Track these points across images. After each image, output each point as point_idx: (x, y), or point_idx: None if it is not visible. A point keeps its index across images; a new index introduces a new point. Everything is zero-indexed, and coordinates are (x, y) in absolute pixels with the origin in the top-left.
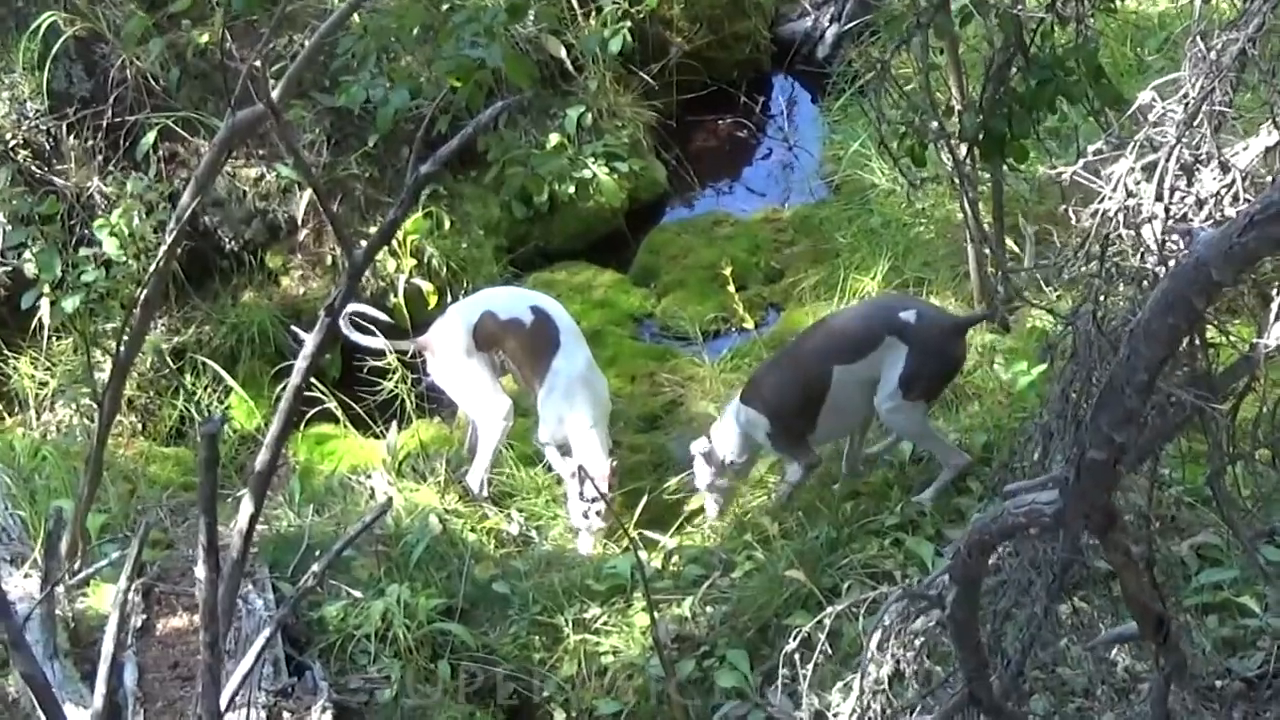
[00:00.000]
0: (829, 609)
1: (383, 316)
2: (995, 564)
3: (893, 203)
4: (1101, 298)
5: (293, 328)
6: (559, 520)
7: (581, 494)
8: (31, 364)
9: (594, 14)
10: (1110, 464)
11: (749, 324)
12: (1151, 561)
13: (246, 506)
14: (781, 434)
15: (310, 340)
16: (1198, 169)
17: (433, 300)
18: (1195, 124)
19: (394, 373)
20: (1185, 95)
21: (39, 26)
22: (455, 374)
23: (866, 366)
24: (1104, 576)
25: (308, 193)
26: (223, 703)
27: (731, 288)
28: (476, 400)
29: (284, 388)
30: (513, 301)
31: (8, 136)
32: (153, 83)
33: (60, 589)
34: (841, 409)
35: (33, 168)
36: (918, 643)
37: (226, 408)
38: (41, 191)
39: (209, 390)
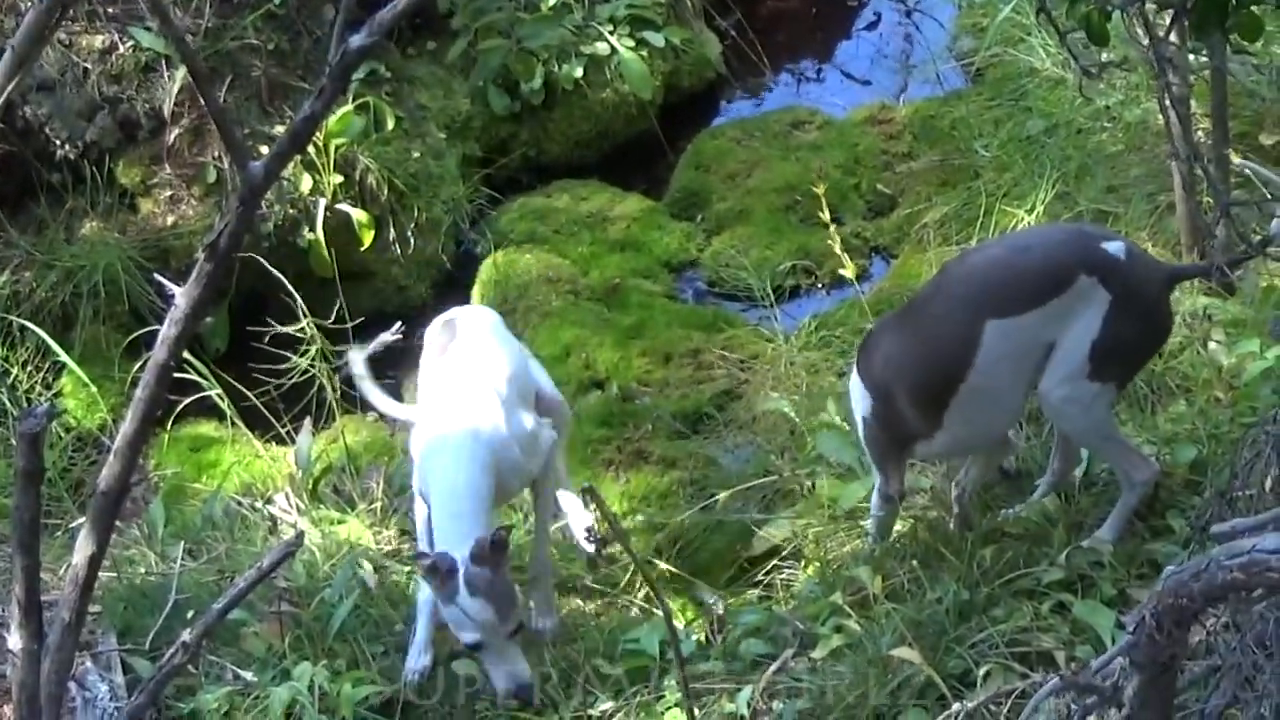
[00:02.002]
0: (956, 706)
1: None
2: (1204, 643)
3: (1061, 98)
4: None
5: (157, 276)
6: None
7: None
8: None
9: None
10: None
11: (848, 272)
12: None
13: (85, 544)
14: (882, 425)
15: (183, 297)
16: None
17: (368, 237)
18: None
19: (308, 345)
20: None
21: None
22: None
23: (1042, 322)
24: None
25: (181, 73)
26: None
27: (826, 217)
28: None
29: (143, 367)
30: None
31: None
32: None
33: None
34: (987, 395)
35: None
36: None
37: (56, 395)
38: None
39: (29, 368)
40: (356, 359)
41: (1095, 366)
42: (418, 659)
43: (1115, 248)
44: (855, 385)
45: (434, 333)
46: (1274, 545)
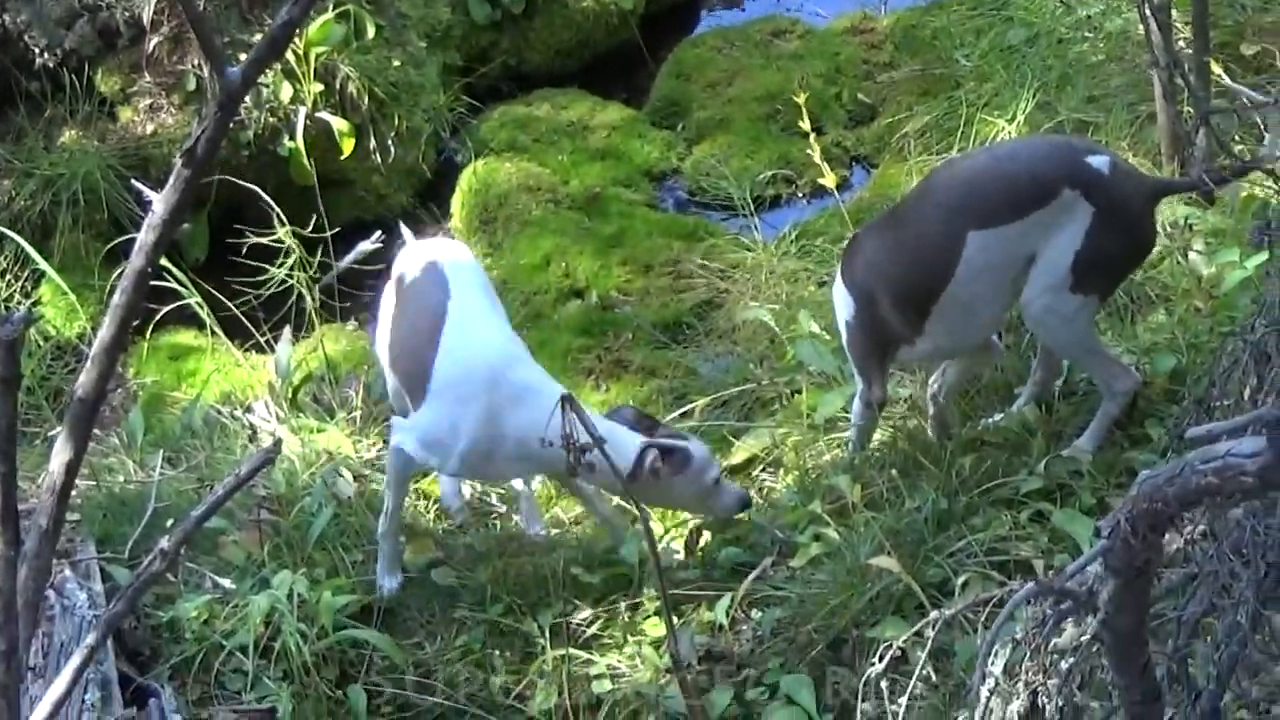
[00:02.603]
0: (934, 614)
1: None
2: (1181, 552)
3: (1043, 8)
4: None
5: (135, 183)
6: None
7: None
8: None
9: None
10: None
11: (829, 181)
12: None
13: (62, 452)
14: (865, 330)
15: (160, 202)
16: None
17: (348, 146)
18: None
19: (287, 254)
20: None
21: None
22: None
23: (1023, 234)
24: None
25: None
26: None
27: (807, 126)
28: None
29: (121, 274)
30: None
31: None
32: None
33: None
34: (969, 304)
35: None
36: (1064, 665)
37: (34, 303)
38: None
39: (8, 277)
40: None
41: (1077, 279)
42: (388, 579)
43: (1100, 161)
44: (839, 290)
45: (412, 268)
46: (1249, 449)
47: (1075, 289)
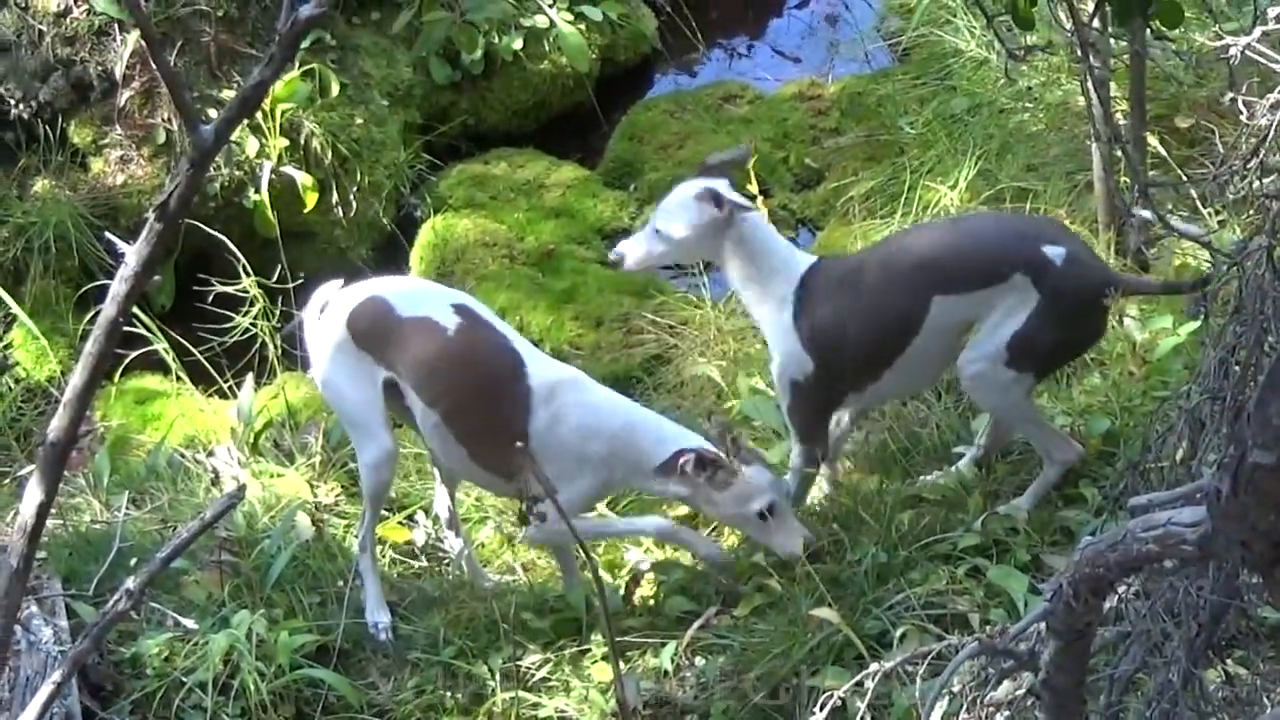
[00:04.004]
0: (873, 666)
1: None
2: (1115, 610)
3: (985, 79)
4: None
5: (108, 234)
6: (486, 524)
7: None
8: None
9: None
10: None
11: None
12: None
13: (34, 493)
14: (819, 388)
15: (133, 254)
16: None
17: (311, 199)
18: None
19: (251, 304)
20: None
21: None
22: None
23: (973, 305)
24: (1271, 630)
25: (133, 37)
26: None
27: (754, 189)
28: (348, 428)
29: (92, 321)
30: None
31: None
32: None
33: None
34: (924, 357)
35: None
36: (999, 719)
37: (5, 347)
38: None
39: None
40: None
41: (1012, 355)
42: (378, 615)
43: (1055, 252)
44: (792, 352)
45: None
46: (1189, 519)
47: (1009, 365)
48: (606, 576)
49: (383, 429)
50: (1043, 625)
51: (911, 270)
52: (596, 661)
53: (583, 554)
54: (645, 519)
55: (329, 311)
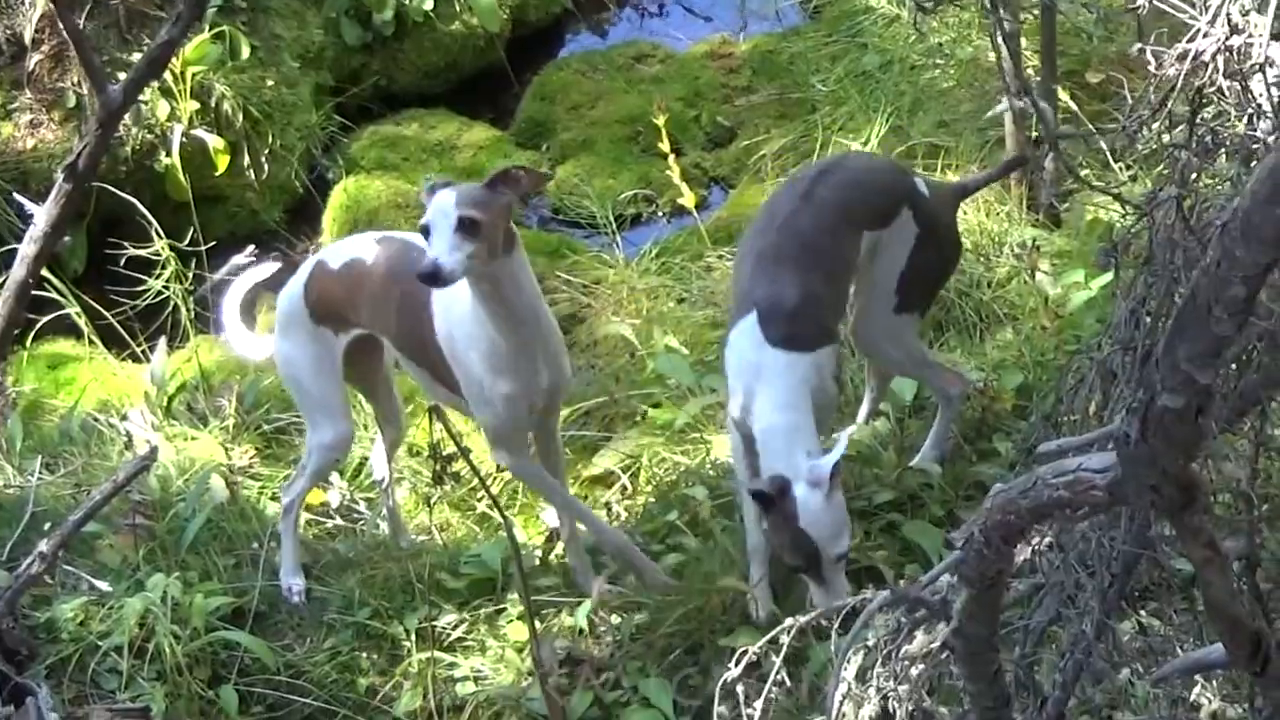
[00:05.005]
0: (788, 620)
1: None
2: (1029, 563)
3: (896, 36)
4: (1191, 178)
5: (16, 196)
6: (402, 484)
7: (435, 449)
8: None
9: None
10: (1190, 415)
11: (688, 201)
12: (1252, 560)
13: None
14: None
15: (42, 215)
16: None
17: (223, 162)
18: None
19: (163, 267)
20: None
21: None
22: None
23: (876, 242)
24: (1184, 582)
25: (41, 0)
26: None
27: (666, 148)
28: (303, 409)
29: (2, 285)
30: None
31: None
32: None
33: None
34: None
35: None
36: (914, 672)
37: None
38: None
39: None
40: (232, 295)
41: (902, 299)
42: (292, 579)
43: (920, 183)
44: (797, 362)
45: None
46: (1099, 465)
47: (899, 309)
48: (521, 535)
49: (341, 411)
50: (954, 574)
51: (840, 201)
52: (512, 621)
53: (498, 514)
54: (612, 530)
55: (286, 288)
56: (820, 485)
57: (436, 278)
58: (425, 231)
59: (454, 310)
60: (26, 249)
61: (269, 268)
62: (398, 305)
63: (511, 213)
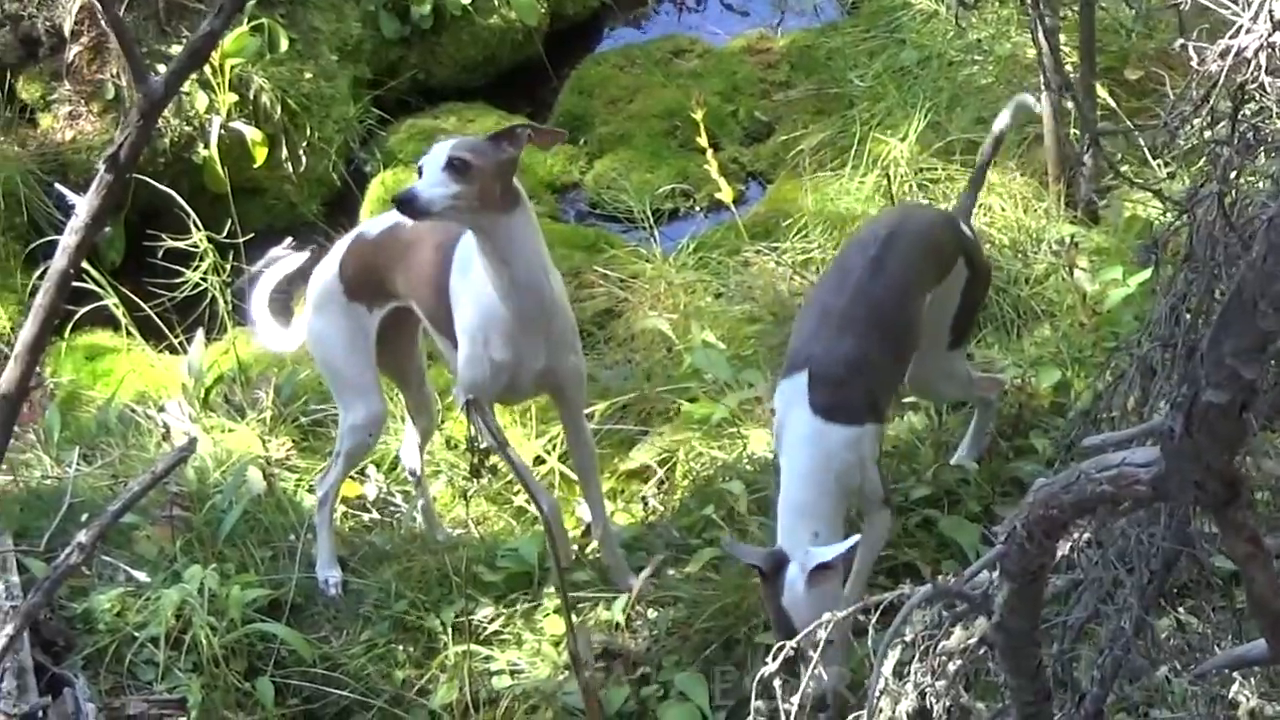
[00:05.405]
0: (825, 615)
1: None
2: (1066, 559)
3: (934, 31)
4: (1232, 175)
5: (58, 187)
6: (439, 478)
7: (472, 443)
8: None
9: None
10: (1235, 410)
11: (725, 196)
12: None
13: None
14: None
15: (83, 206)
16: None
17: (261, 155)
18: None
19: (201, 259)
20: None
21: None
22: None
23: (933, 296)
24: (1226, 577)
25: None
26: None
27: (704, 143)
28: (335, 390)
29: (41, 276)
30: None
31: None
32: None
33: None
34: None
35: None
36: (951, 667)
37: None
38: None
39: None
40: (262, 286)
41: (955, 337)
42: (328, 570)
43: (966, 227)
44: (835, 434)
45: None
46: (1143, 459)
47: (953, 346)
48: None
49: (374, 391)
50: (996, 568)
51: (902, 267)
52: (549, 615)
53: (536, 508)
54: (544, 495)
55: (320, 265)
56: (806, 572)
57: (412, 204)
58: (419, 171)
59: (469, 269)
60: (68, 240)
61: (298, 258)
62: (428, 267)
63: (513, 170)
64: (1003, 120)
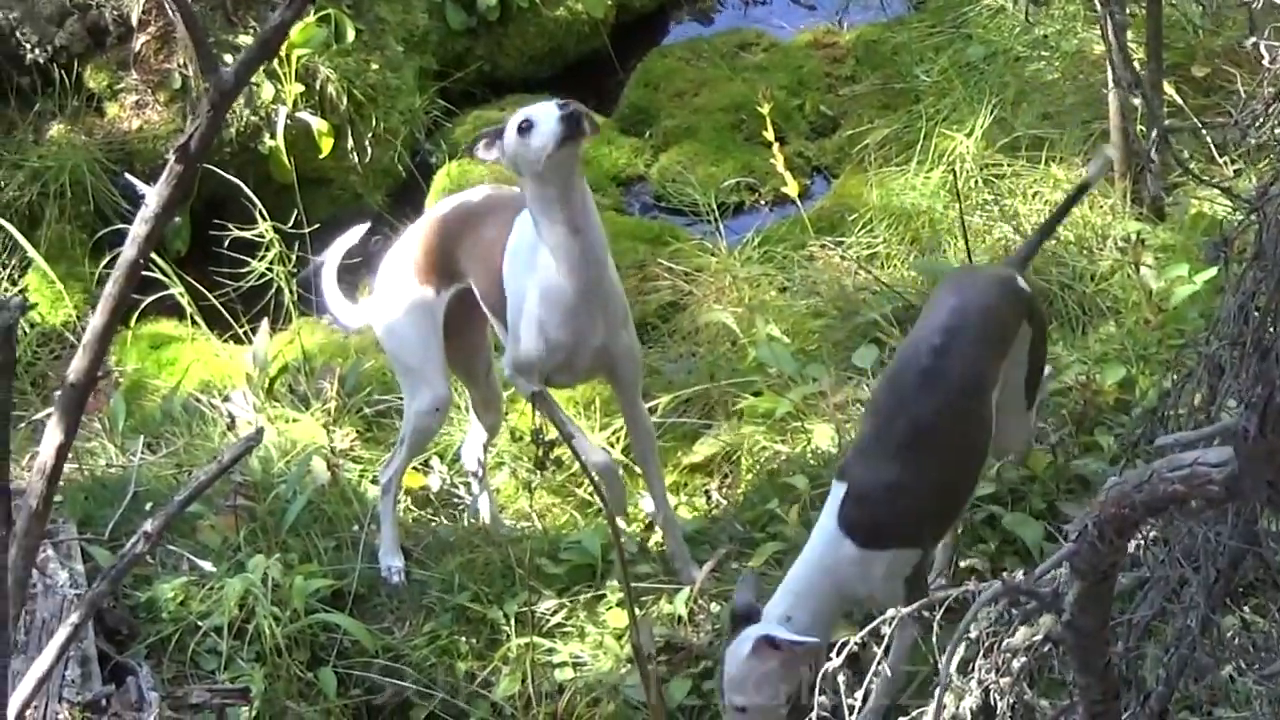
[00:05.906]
0: (889, 611)
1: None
2: (1132, 557)
3: (1001, 26)
4: None
5: (127, 177)
6: (501, 470)
7: (537, 435)
8: None
9: None
10: None
11: (791, 190)
12: None
13: (53, 435)
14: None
15: (153, 196)
16: None
17: (327, 145)
18: None
19: (267, 249)
20: None
21: None
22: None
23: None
24: None
25: None
26: (9, 716)
27: (770, 137)
28: (401, 374)
29: (108, 265)
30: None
31: None
32: None
33: None
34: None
35: None
36: (1016, 664)
37: (23, 290)
38: None
39: None
40: (330, 259)
41: (1029, 395)
42: (391, 559)
43: (1023, 280)
44: (849, 553)
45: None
46: (1216, 459)
47: (1029, 404)
48: (621, 523)
49: (440, 375)
50: (1067, 567)
51: (972, 342)
52: (611, 607)
53: (599, 500)
54: (598, 451)
55: (390, 251)
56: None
57: (578, 117)
58: (528, 123)
59: (525, 247)
60: (138, 229)
61: (358, 230)
62: (489, 245)
63: None
64: (1090, 172)
